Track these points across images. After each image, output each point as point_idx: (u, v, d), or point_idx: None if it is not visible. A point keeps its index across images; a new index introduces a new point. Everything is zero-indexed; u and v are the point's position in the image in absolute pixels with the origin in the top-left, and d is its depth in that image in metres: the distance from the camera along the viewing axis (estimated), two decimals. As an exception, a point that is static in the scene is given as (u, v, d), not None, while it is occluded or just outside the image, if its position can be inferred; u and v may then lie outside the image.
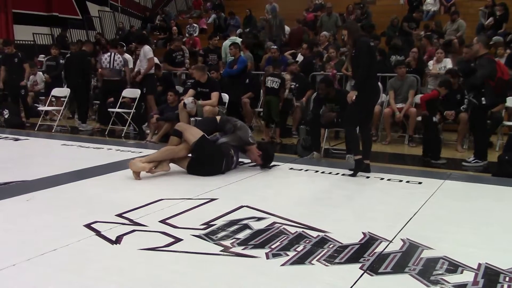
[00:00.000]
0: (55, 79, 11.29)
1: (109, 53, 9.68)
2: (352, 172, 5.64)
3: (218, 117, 6.21)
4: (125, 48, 11.38)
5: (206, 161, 5.49)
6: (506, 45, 9.61)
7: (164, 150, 5.56)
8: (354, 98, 5.58)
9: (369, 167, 5.76)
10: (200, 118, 7.76)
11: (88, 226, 3.63)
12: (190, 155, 5.58)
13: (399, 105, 8.07)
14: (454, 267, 2.99)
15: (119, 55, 9.66)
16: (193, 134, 5.51)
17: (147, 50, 9.15)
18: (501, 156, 6.00)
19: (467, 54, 8.34)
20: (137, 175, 5.25)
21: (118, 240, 3.36)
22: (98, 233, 3.49)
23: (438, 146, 6.71)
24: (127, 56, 10.52)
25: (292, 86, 8.64)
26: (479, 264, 3.03)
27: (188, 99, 7.76)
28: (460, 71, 6.34)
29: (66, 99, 10.31)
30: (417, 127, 8.12)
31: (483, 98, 6.41)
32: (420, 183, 5.30)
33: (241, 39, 11.61)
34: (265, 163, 5.86)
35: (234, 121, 5.97)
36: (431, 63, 8.98)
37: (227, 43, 11.50)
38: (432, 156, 6.60)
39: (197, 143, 5.43)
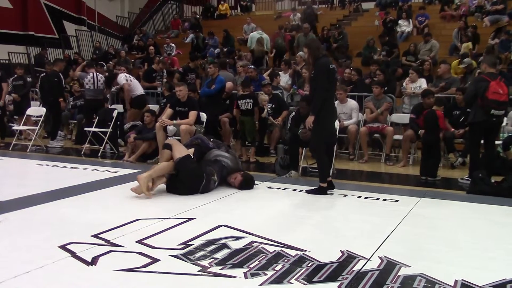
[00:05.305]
0: (24, 98, 11.15)
1: (91, 74, 9.67)
2: (311, 190, 5.66)
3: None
4: (104, 67, 11.44)
5: (185, 179, 5.47)
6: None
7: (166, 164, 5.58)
8: (312, 123, 5.51)
9: (332, 183, 5.78)
10: (178, 138, 7.73)
11: (63, 247, 3.56)
12: None
13: (376, 125, 8.16)
14: (431, 284, 3.01)
15: (101, 75, 9.69)
16: (180, 151, 5.57)
17: (120, 77, 9.43)
18: (475, 174, 6.11)
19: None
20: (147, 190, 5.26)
21: (94, 261, 3.30)
22: (73, 254, 3.43)
23: (437, 164, 6.85)
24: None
25: (269, 106, 8.67)
26: (456, 281, 3.06)
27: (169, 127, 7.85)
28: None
29: (41, 118, 10.19)
30: (393, 145, 8.26)
31: None
32: (396, 201, 5.36)
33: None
34: (241, 187, 5.80)
35: (227, 146, 6.17)
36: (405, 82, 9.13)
37: (255, 34, 11.86)
38: (430, 174, 6.70)
39: (181, 160, 5.46)
